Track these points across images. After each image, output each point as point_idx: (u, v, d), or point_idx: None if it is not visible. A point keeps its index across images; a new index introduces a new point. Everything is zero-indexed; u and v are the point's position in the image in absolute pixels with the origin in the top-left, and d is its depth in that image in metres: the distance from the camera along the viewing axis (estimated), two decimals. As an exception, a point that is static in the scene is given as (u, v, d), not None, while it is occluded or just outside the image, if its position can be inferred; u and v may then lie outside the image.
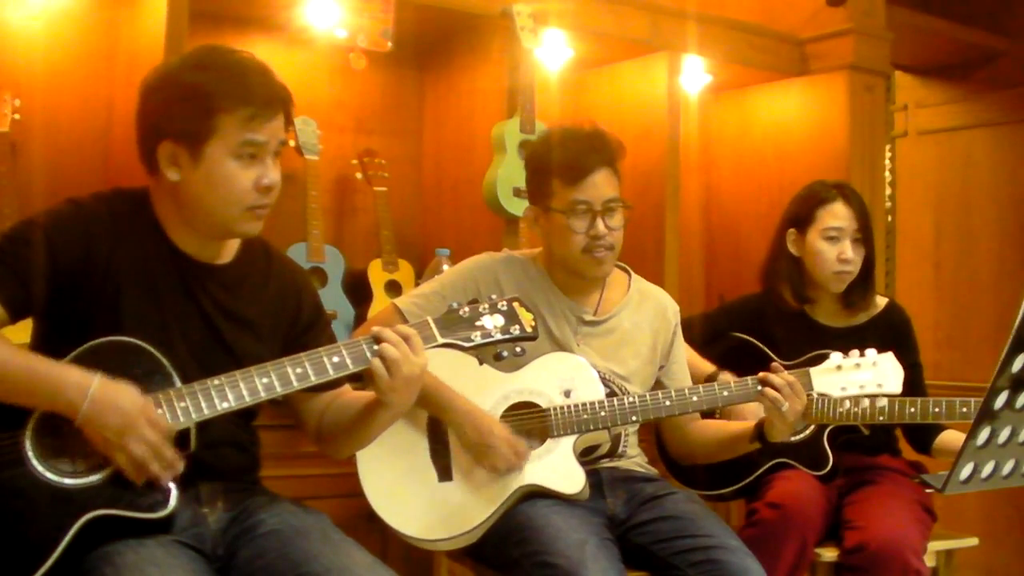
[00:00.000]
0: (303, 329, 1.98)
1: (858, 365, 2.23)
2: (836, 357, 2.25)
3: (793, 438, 2.65)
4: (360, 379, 2.12)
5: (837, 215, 2.68)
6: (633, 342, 2.40)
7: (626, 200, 2.31)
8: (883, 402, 2.34)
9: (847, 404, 2.33)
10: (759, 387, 2.23)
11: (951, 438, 2.64)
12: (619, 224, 2.30)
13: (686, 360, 2.52)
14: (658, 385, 2.44)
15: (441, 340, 1.88)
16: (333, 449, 2.02)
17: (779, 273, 2.77)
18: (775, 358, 2.66)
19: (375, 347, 1.80)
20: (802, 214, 2.73)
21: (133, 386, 1.68)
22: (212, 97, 1.75)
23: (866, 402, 2.40)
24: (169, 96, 1.78)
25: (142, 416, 1.65)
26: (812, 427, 2.64)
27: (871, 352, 2.23)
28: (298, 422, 2.03)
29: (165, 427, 1.68)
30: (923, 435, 2.71)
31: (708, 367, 2.67)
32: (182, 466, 1.70)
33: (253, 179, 1.79)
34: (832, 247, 2.67)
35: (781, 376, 2.22)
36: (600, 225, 2.26)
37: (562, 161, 2.27)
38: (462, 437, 2.21)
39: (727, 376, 2.63)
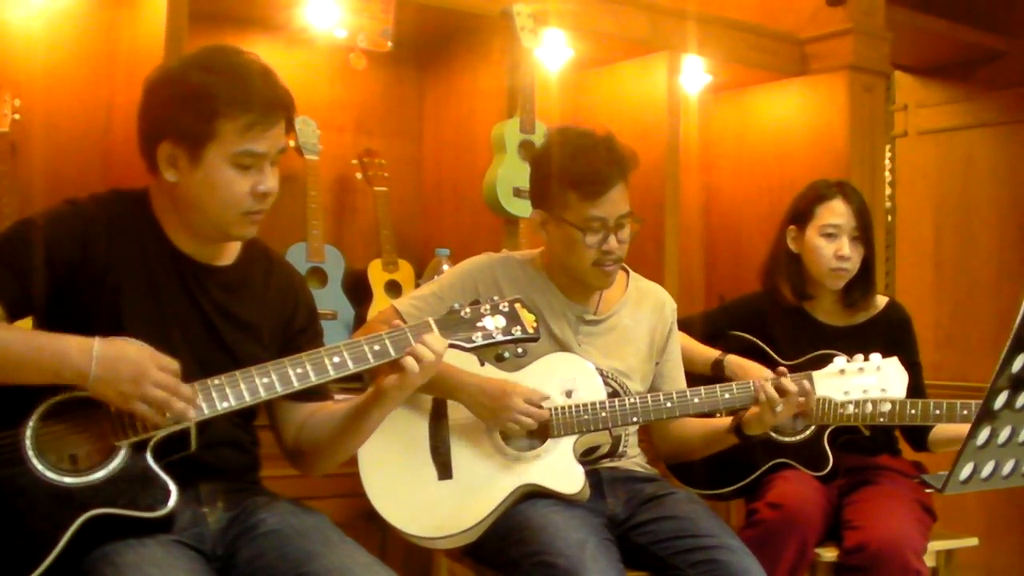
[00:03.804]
0: (296, 332, 1.98)
1: (862, 370, 2.22)
2: (840, 361, 2.25)
3: (793, 438, 2.65)
4: (360, 379, 2.12)
5: (835, 212, 2.68)
6: (634, 339, 2.41)
7: (637, 215, 2.30)
8: (885, 405, 2.34)
9: (849, 407, 2.33)
10: (760, 384, 2.23)
11: (946, 428, 2.63)
12: (628, 237, 2.29)
13: (681, 360, 2.52)
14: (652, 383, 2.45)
15: None
16: (308, 462, 2.00)
17: (779, 269, 2.78)
18: (776, 358, 2.66)
19: (413, 345, 1.81)
20: (802, 211, 2.74)
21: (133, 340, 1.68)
22: (214, 101, 1.74)
23: (868, 405, 2.40)
24: (172, 96, 1.78)
25: (151, 361, 1.66)
26: (812, 427, 2.64)
27: (875, 357, 2.23)
28: (276, 432, 2.01)
29: (175, 367, 1.68)
30: (919, 432, 2.71)
31: (712, 353, 2.68)
32: (201, 401, 1.70)
33: (250, 186, 1.79)
34: (829, 244, 2.67)
35: (796, 383, 2.21)
36: (612, 241, 2.25)
37: (579, 173, 2.22)
38: (480, 411, 2.21)
39: (734, 358, 2.63)
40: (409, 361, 1.80)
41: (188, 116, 1.75)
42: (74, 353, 1.64)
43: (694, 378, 2.56)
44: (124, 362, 1.64)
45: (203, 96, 1.74)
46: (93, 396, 1.66)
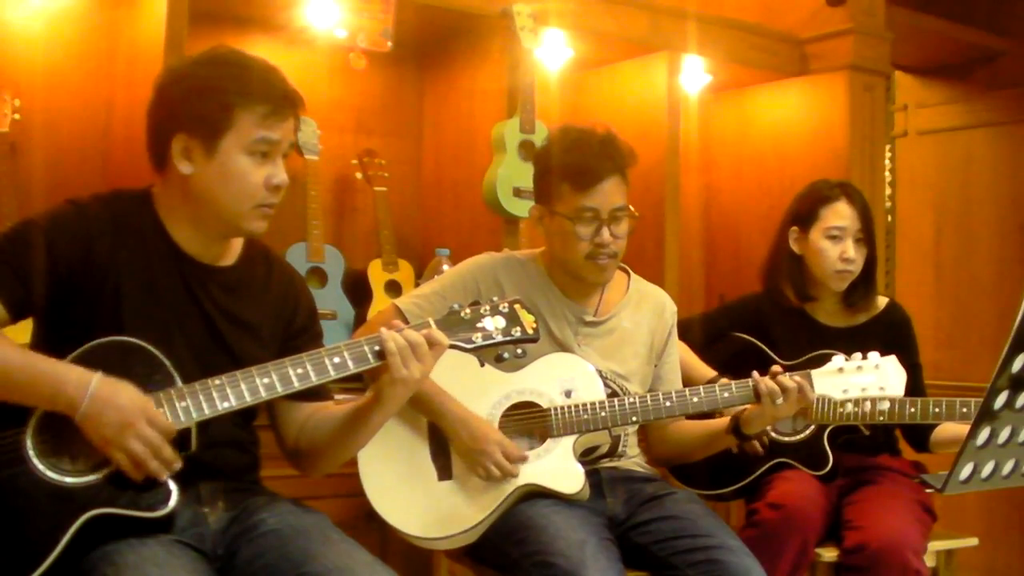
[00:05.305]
0: (296, 332, 1.99)
1: (860, 368, 2.22)
2: (838, 359, 2.25)
3: (793, 438, 2.65)
4: (360, 379, 2.13)
5: (840, 214, 2.68)
6: (633, 342, 2.41)
7: (633, 209, 2.31)
8: (884, 403, 2.34)
9: (848, 406, 2.33)
10: (759, 381, 2.23)
11: (948, 429, 2.64)
12: (624, 232, 2.30)
13: (679, 363, 2.52)
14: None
15: None
16: (309, 462, 2.00)
17: (781, 271, 2.77)
18: (776, 359, 2.66)
19: (395, 334, 1.79)
20: (805, 212, 2.73)
21: (133, 385, 1.68)
22: (230, 92, 1.77)
23: (867, 403, 2.40)
24: (188, 89, 1.79)
25: (141, 414, 1.66)
26: (812, 427, 2.64)
27: (873, 355, 2.23)
28: (276, 433, 2.01)
29: (164, 425, 1.68)
30: (920, 433, 2.71)
31: (708, 372, 2.67)
32: (179, 465, 1.70)
33: (264, 177, 1.81)
34: (834, 246, 2.67)
35: (793, 380, 2.21)
36: (605, 233, 2.25)
37: (573, 165, 2.25)
38: (457, 443, 2.21)
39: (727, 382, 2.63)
40: (390, 350, 1.79)
41: (205, 107, 1.77)
42: (71, 385, 1.64)
43: None
44: (113, 408, 1.64)
45: (220, 88, 1.77)
46: (79, 429, 1.66)
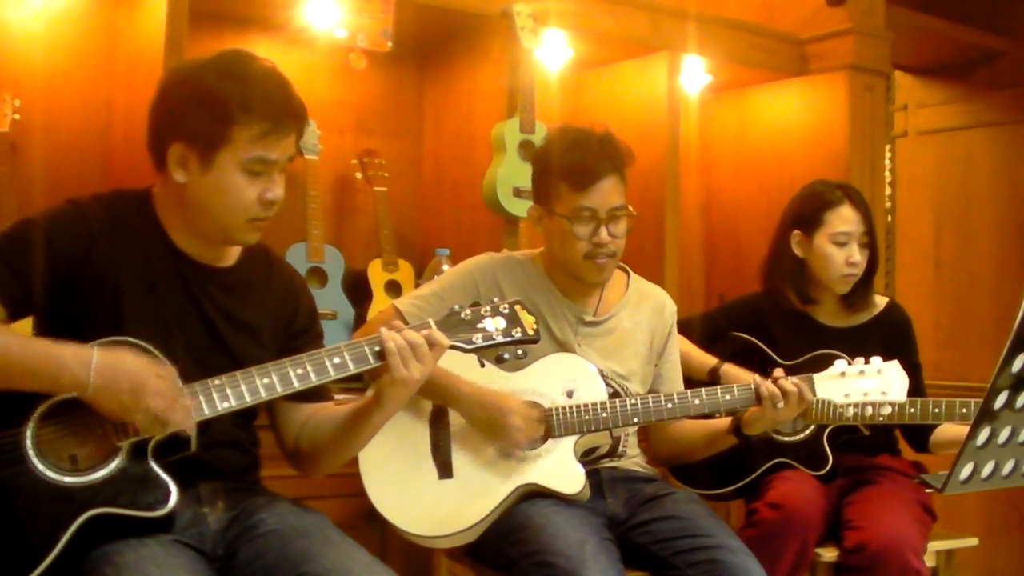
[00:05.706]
0: (296, 333, 1.99)
1: (863, 372, 2.22)
2: (840, 364, 2.25)
3: (793, 438, 2.65)
4: (360, 379, 2.12)
5: (846, 219, 2.67)
6: (633, 341, 2.41)
7: (631, 208, 2.31)
8: (886, 408, 2.34)
9: (850, 409, 2.33)
10: (761, 380, 2.23)
11: (948, 430, 2.64)
12: (623, 232, 2.30)
13: (679, 362, 2.52)
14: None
15: None
16: (309, 463, 2.00)
17: (782, 274, 2.76)
18: (776, 359, 2.66)
19: (395, 335, 1.79)
20: (808, 216, 2.72)
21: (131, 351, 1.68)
22: (231, 106, 1.75)
23: (869, 408, 2.40)
24: (188, 97, 1.78)
25: (150, 371, 1.66)
26: (812, 427, 2.64)
27: (876, 360, 2.23)
28: (276, 433, 2.01)
29: (173, 377, 1.69)
30: (920, 433, 2.71)
31: (710, 360, 2.67)
32: (203, 403, 1.70)
33: (258, 193, 1.80)
34: (841, 251, 2.66)
35: (792, 383, 2.22)
36: (603, 233, 2.26)
37: (570, 165, 2.25)
38: (475, 421, 2.21)
39: (730, 367, 2.63)
40: (390, 350, 1.79)
41: (203, 119, 1.76)
42: (71, 362, 1.64)
43: (691, 384, 2.56)
44: (123, 373, 1.64)
45: (220, 101, 1.75)
46: (91, 406, 1.66)
